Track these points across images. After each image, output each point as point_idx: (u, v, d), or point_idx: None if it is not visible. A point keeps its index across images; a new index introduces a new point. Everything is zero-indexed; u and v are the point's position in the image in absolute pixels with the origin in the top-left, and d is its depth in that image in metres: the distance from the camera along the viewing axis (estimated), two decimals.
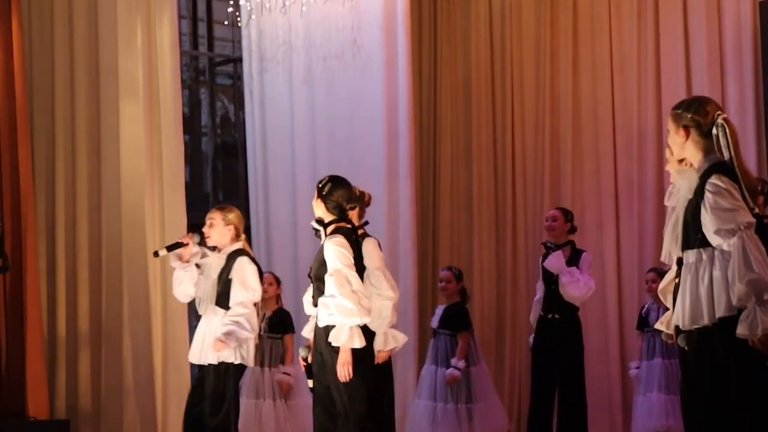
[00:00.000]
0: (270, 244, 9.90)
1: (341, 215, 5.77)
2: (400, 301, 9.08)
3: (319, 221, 5.77)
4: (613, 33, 9.63)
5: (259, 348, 8.32)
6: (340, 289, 5.55)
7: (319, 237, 5.80)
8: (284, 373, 8.21)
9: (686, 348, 4.49)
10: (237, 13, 9.97)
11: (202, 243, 6.76)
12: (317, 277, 5.71)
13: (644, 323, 8.60)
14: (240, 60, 10.55)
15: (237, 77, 11.06)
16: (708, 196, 4.33)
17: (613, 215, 9.51)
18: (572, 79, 9.74)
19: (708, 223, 4.32)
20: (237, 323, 6.49)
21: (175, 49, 8.40)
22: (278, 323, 8.33)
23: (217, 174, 11.14)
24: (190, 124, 10.82)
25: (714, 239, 4.32)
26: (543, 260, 8.13)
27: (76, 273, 8.12)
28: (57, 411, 8.12)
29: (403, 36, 9.33)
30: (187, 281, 6.72)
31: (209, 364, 6.57)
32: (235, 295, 6.55)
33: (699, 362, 4.41)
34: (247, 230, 10.20)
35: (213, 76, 11.22)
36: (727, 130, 4.40)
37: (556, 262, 7.98)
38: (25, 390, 7.72)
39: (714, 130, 4.43)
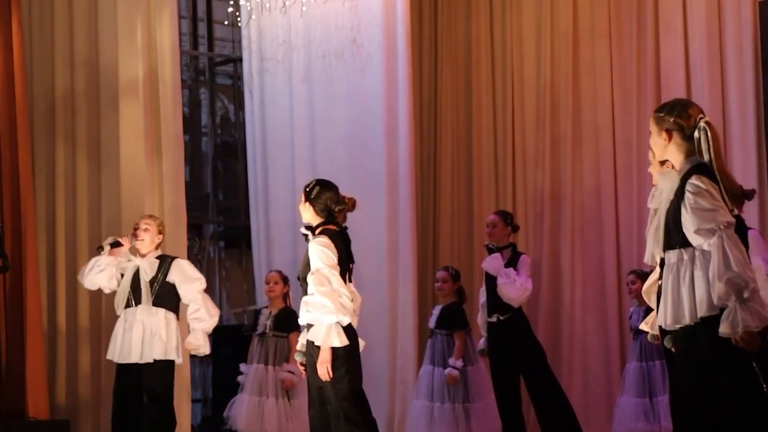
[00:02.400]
0: (270, 244, 9.91)
1: (329, 218, 5.78)
2: (401, 302, 9.14)
3: (308, 227, 5.78)
4: (612, 33, 9.62)
5: (263, 346, 8.36)
6: (319, 287, 5.57)
7: (308, 242, 5.81)
8: (288, 371, 8.21)
9: (673, 349, 4.53)
10: (237, 13, 9.97)
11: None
12: (303, 278, 5.73)
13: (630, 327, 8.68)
14: (240, 60, 10.55)
15: (237, 77, 11.06)
16: (688, 196, 4.38)
17: (612, 215, 9.51)
18: (572, 79, 9.73)
19: (688, 223, 4.38)
20: (200, 320, 7.21)
21: (175, 49, 8.40)
22: (284, 321, 8.33)
23: (217, 174, 11.14)
24: (190, 124, 10.82)
25: (694, 239, 4.37)
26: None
27: (76, 272, 8.10)
28: (57, 411, 8.13)
29: (403, 36, 9.32)
30: (106, 273, 7.15)
31: (155, 360, 7.01)
32: (186, 292, 7.20)
33: (686, 363, 4.45)
34: (247, 230, 10.27)
35: (213, 76, 11.22)
36: (709, 134, 4.46)
37: (493, 263, 8.06)
38: (25, 390, 7.73)
39: (696, 134, 4.49)
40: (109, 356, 7.15)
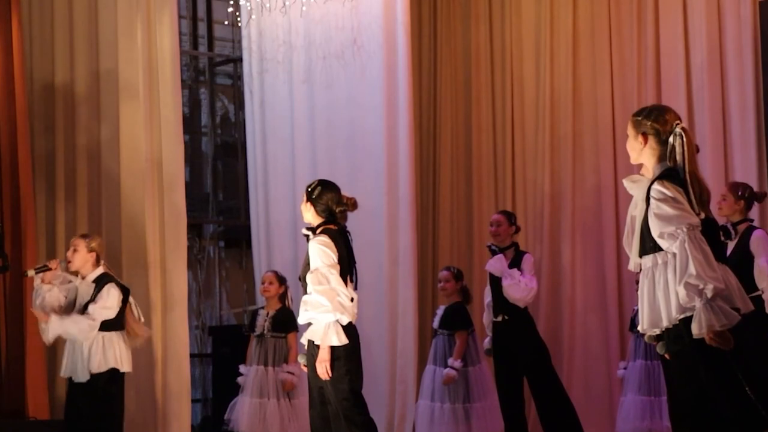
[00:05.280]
0: (270, 244, 9.91)
1: (330, 218, 5.79)
2: (401, 302, 9.14)
3: (309, 227, 5.80)
4: (613, 33, 9.63)
5: (262, 347, 8.36)
6: (317, 286, 5.60)
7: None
8: (288, 372, 8.21)
9: (666, 356, 4.58)
10: (237, 13, 9.98)
11: (66, 269, 7.10)
12: (304, 278, 5.74)
13: (634, 325, 8.66)
14: (240, 60, 10.55)
15: (237, 77, 11.06)
16: (652, 202, 4.45)
17: (613, 215, 9.51)
18: (572, 79, 9.73)
19: (653, 228, 4.44)
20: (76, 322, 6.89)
21: (175, 49, 8.40)
22: (281, 322, 8.32)
23: (217, 174, 11.14)
24: (190, 124, 10.82)
25: (661, 243, 4.43)
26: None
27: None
28: (57, 411, 8.12)
29: (403, 36, 9.33)
30: (48, 299, 6.97)
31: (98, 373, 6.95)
32: (92, 308, 6.91)
33: (677, 364, 4.50)
34: (247, 230, 10.27)
35: (213, 76, 11.21)
36: (684, 140, 4.50)
37: (496, 265, 8.08)
38: (25, 390, 7.72)
39: (671, 139, 4.53)
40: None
